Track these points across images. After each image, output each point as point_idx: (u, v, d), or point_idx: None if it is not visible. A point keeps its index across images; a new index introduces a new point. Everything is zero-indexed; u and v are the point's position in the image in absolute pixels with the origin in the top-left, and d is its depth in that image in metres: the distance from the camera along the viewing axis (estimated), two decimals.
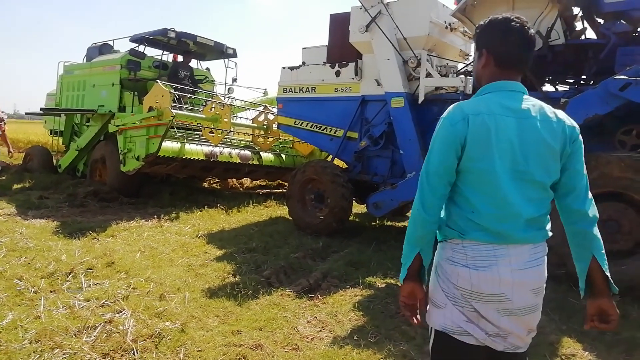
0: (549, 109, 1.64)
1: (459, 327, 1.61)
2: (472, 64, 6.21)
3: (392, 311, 3.85)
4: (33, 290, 3.78)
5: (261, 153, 9.09)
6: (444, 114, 1.66)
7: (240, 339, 3.19)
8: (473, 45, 6.89)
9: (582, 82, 5.59)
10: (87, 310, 3.45)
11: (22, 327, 3.11)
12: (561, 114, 1.65)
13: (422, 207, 1.62)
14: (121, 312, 3.45)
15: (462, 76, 5.73)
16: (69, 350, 2.85)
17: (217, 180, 10.62)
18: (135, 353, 2.90)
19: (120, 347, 2.93)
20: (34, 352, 2.79)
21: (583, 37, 5.50)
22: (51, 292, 3.83)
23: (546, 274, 1.66)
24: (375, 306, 3.95)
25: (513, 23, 1.64)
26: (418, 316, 1.71)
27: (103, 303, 3.61)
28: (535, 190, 1.60)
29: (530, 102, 1.63)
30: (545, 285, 1.66)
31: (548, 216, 1.67)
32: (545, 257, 1.66)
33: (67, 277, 4.14)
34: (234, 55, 10.19)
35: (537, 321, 1.67)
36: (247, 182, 10.88)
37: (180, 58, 10.34)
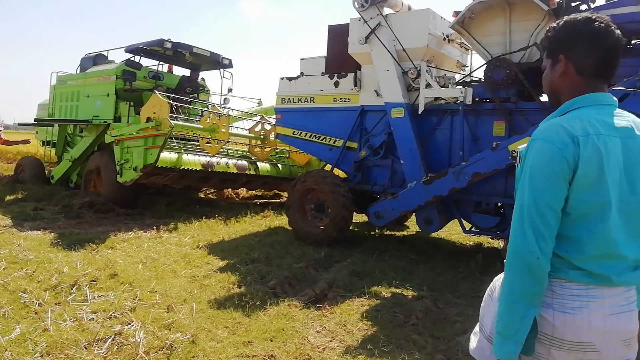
0: None
1: None
2: (469, 74, 6.31)
3: (400, 320, 3.87)
4: (38, 302, 3.72)
5: (258, 163, 9.10)
6: (539, 136, 1.38)
7: (252, 350, 3.18)
8: (469, 57, 6.98)
9: None
10: (96, 323, 3.42)
11: (31, 340, 3.06)
12: None
13: (542, 254, 1.31)
14: (130, 324, 3.42)
15: (461, 87, 5.82)
16: None
17: (212, 190, 10.59)
18: None
19: (133, 359, 2.91)
20: None
21: None
22: (56, 304, 3.78)
23: (638, 323, 1.43)
24: (384, 316, 3.96)
25: (597, 24, 1.39)
26: None
27: (111, 315, 3.57)
28: None
29: (630, 118, 1.42)
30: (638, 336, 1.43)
31: None
32: (636, 302, 1.43)
33: (71, 289, 4.09)
34: (230, 65, 10.23)
35: None
36: (243, 192, 10.86)
37: (174, 69, 10.40)
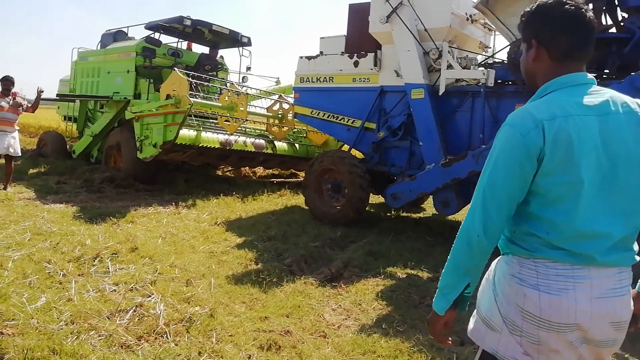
0: (629, 100, 1.42)
1: (514, 358, 1.40)
2: (492, 56, 6.19)
3: (415, 301, 3.90)
4: (62, 273, 3.84)
5: (275, 142, 9.12)
6: (508, 121, 1.39)
7: (268, 325, 3.24)
8: (492, 37, 6.84)
9: (604, 76, 5.56)
10: (117, 294, 3.52)
11: (56, 309, 3.16)
12: None
13: (484, 233, 1.36)
14: (150, 296, 3.50)
15: (483, 68, 5.72)
16: (105, 332, 2.90)
17: (230, 168, 10.67)
18: (169, 336, 2.95)
19: (154, 330, 2.99)
20: (71, 333, 2.85)
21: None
22: (79, 275, 3.89)
23: (632, 306, 1.42)
24: (398, 296, 4.00)
25: (567, 7, 1.39)
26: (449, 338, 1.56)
27: (132, 287, 3.66)
28: (629, 201, 1.37)
29: (607, 94, 1.40)
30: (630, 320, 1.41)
31: (636, 235, 1.42)
32: (630, 286, 1.42)
33: (94, 261, 4.20)
34: (249, 43, 10.18)
35: (611, 353, 1.46)
36: (259, 170, 10.93)
37: (193, 46, 10.40)
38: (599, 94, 1.40)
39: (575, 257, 1.33)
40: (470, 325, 1.57)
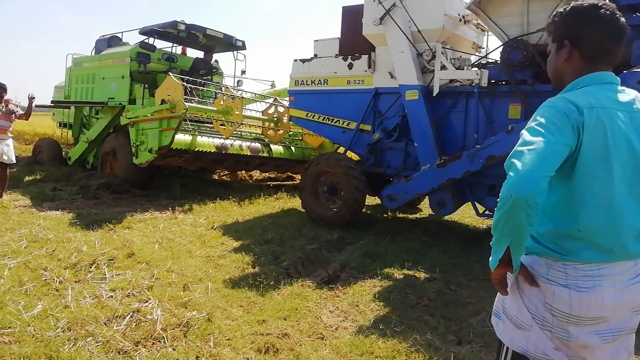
0: None
1: (545, 354, 1.43)
2: (485, 56, 6.22)
3: (412, 302, 3.91)
4: (58, 280, 3.83)
5: (271, 145, 9.13)
6: (548, 103, 1.41)
7: (266, 328, 3.24)
8: (485, 38, 6.86)
9: None
10: (114, 300, 3.51)
11: (53, 316, 3.16)
12: None
13: (520, 190, 1.26)
14: (147, 301, 3.50)
15: (477, 69, 5.75)
16: (102, 339, 2.90)
17: (226, 172, 10.67)
18: (166, 341, 2.94)
19: (151, 336, 2.98)
20: (68, 340, 2.85)
21: None
22: (76, 282, 3.88)
23: None
24: (395, 297, 4.00)
25: (602, 10, 1.42)
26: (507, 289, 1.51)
27: (129, 293, 3.66)
28: None
29: (633, 94, 1.48)
30: None
31: None
32: None
33: (90, 267, 4.19)
34: (243, 47, 10.20)
35: (633, 343, 1.52)
36: (256, 174, 10.94)
37: (188, 51, 10.41)
38: (626, 93, 1.48)
39: (606, 254, 1.39)
40: (498, 326, 1.58)
